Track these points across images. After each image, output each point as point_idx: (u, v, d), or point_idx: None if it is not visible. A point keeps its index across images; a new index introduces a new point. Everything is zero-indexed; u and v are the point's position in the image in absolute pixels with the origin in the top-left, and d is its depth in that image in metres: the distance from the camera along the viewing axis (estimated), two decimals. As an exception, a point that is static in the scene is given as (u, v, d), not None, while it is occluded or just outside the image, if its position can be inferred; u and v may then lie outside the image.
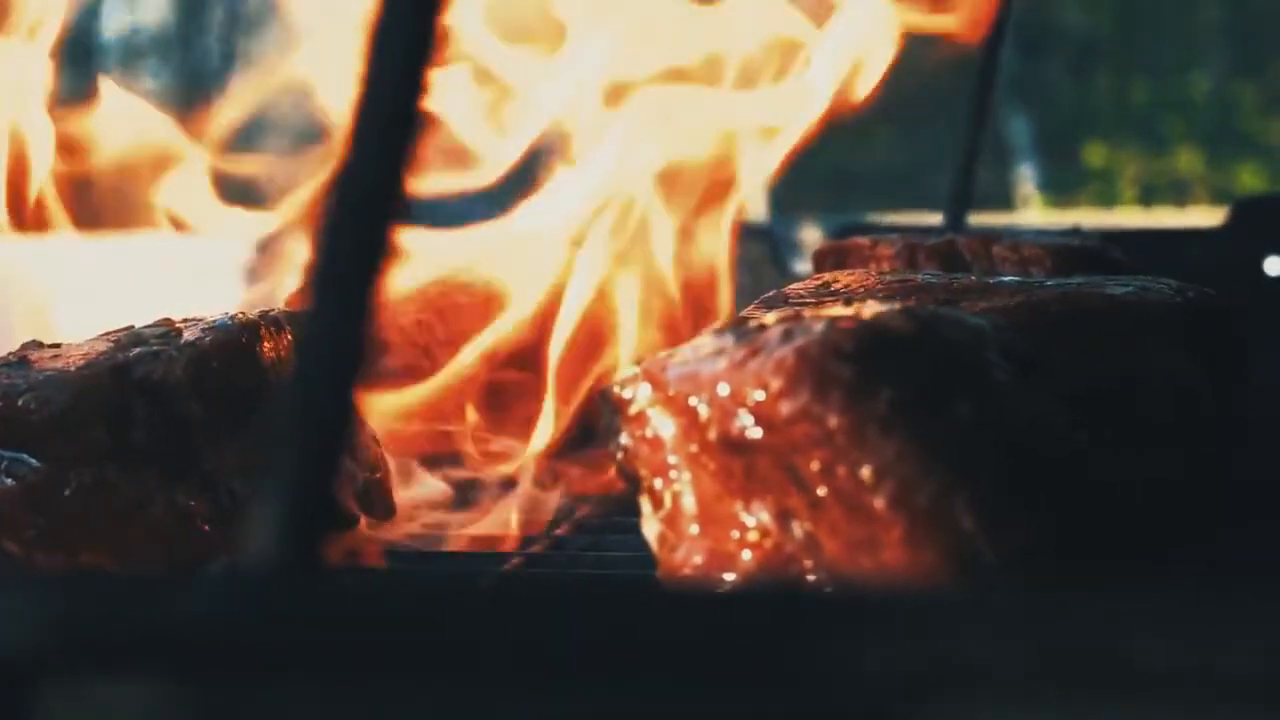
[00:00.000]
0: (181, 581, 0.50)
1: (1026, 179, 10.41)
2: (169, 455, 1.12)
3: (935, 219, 2.12)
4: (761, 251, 2.23)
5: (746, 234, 2.31)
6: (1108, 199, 9.55)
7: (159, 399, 1.13)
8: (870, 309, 0.93)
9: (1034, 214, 7.96)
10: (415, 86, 0.59)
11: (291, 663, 0.51)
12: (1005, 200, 9.53)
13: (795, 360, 0.88)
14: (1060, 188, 10.08)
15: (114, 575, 1.03)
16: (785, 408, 0.88)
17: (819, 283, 1.21)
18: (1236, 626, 0.48)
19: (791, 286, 1.21)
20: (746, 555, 0.92)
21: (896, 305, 0.95)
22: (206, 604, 0.51)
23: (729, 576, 0.92)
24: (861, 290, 1.15)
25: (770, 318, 0.94)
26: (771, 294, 1.20)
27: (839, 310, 0.94)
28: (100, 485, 1.11)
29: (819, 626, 0.55)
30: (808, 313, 0.94)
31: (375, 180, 0.58)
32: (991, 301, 1.10)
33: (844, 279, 1.21)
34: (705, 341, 0.95)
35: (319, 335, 0.57)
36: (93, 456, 1.11)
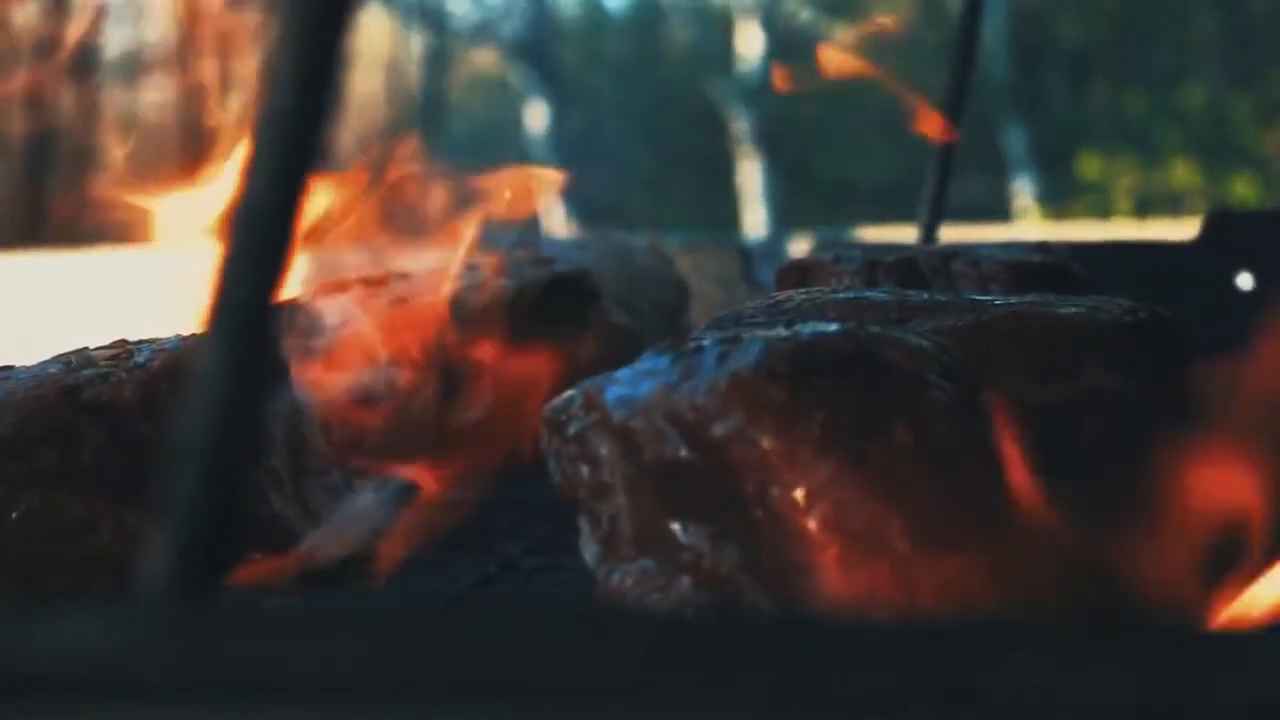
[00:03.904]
0: (62, 610, 0.50)
1: (1023, 190, 10.41)
2: (119, 477, 1.12)
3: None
4: (735, 268, 2.22)
5: (721, 250, 2.30)
6: (1103, 210, 9.55)
7: (109, 421, 1.13)
8: (809, 330, 0.93)
9: (1031, 225, 7.96)
10: (314, 112, 0.58)
11: (173, 697, 0.51)
12: (1002, 212, 9.53)
13: (729, 383, 0.88)
14: (1056, 199, 10.09)
15: None
16: (719, 430, 0.88)
17: (772, 302, 1.20)
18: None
19: (744, 306, 1.21)
20: (683, 577, 0.91)
21: (836, 326, 0.95)
22: (87, 633, 0.50)
23: (666, 597, 0.92)
24: (811, 309, 1.15)
25: (709, 339, 0.94)
26: (723, 314, 1.19)
27: (777, 331, 0.93)
28: (49, 507, 1.11)
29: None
30: (746, 334, 0.94)
31: (273, 205, 0.58)
32: (940, 320, 1.10)
33: (797, 298, 1.20)
34: (644, 363, 0.95)
35: (214, 359, 0.57)
36: (41, 478, 1.11)
